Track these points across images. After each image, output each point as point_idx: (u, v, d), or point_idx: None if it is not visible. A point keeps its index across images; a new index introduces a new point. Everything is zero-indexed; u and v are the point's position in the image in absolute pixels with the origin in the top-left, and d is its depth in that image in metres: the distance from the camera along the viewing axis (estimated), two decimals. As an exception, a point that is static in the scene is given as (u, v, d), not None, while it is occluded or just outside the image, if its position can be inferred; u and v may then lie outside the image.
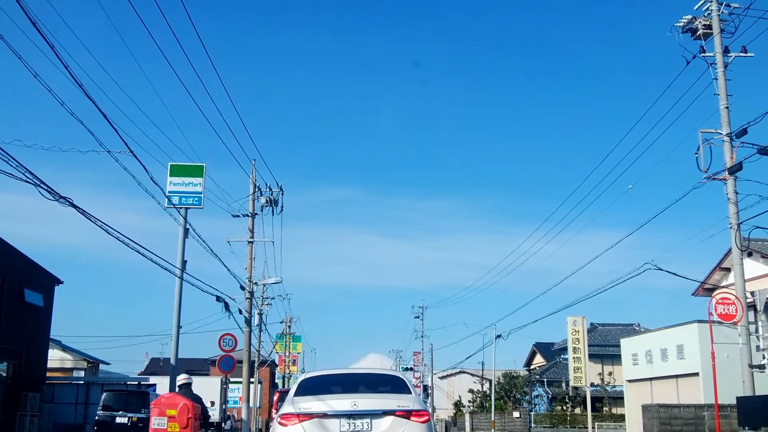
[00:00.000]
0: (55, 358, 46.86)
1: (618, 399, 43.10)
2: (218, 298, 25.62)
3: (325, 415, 7.89)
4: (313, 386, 8.81)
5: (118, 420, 21.88)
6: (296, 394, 8.59)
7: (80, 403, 27.60)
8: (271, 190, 28.06)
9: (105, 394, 23.03)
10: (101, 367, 49.31)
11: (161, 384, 29.72)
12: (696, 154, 19.46)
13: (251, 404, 46.72)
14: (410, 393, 8.61)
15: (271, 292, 50.20)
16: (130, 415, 22.03)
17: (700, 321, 25.90)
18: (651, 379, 28.32)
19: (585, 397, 44.22)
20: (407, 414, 7.98)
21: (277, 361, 68.51)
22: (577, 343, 32.05)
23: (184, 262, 27.88)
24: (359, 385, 9.07)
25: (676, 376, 26.60)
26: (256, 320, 43.61)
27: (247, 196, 27.73)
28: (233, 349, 23.90)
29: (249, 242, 27.64)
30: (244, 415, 26.13)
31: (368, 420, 7.90)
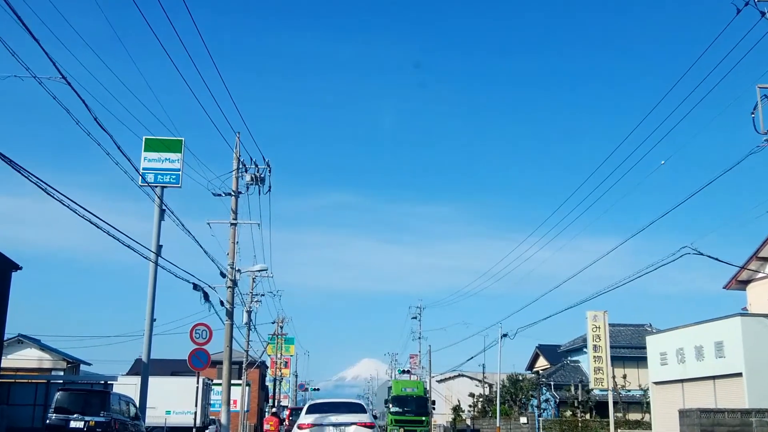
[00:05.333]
0: (33, 357, 44.27)
1: (632, 404, 40.38)
2: (195, 287, 22.55)
3: (321, 425, 16.12)
4: (316, 408, 17.21)
5: (73, 424, 18.40)
6: (307, 412, 17.03)
7: (39, 405, 24.38)
8: (257, 166, 24.95)
9: (58, 393, 19.35)
10: (82, 367, 46.73)
11: (134, 385, 26.57)
12: (753, 113, 16.83)
13: (239, 407, 43.55)
14: (366, 413, 17.37)
15: (261, 289, 46.94)
16: (87, 418, 18.56)
17: (743, 314, 22.90)
18: (683, 380, 25.19)
19: (597, 402, 41.38)
20: (364, 424, 16.27)
21: (268, 363, 65.16)
22: (597, 340, 28.81)
23: (159, 246, 24.84)
24: (341, 407, 17.15)
25: (714, 377, 23.52)
26: (244, 318, 40.46)
27: (230, 172, 24.66)
28: (207, 342, 20.78)
29: (232, 224, 24.54)
30: (223, 420, 22.99)
31: (344, 428, 16.07)
